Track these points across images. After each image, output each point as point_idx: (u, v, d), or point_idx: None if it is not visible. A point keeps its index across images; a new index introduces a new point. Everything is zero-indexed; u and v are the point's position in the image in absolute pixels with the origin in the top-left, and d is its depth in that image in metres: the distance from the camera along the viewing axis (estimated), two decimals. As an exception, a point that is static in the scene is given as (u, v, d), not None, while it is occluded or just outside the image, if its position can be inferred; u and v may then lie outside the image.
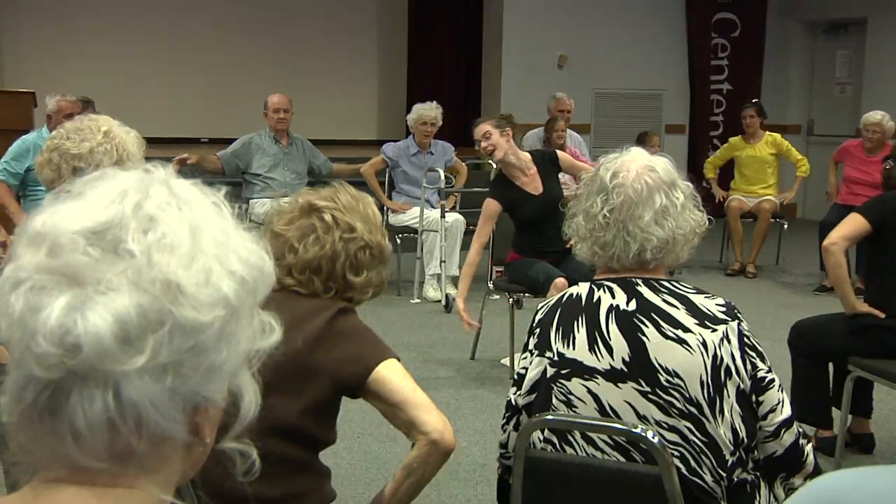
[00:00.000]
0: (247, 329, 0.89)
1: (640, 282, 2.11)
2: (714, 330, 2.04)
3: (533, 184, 5.12)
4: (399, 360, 2.11)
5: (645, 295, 2.09)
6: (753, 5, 11.34)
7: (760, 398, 2.08)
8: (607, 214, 2.10)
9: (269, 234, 2.15)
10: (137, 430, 0.82)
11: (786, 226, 8.19)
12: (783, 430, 2.09)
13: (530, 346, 2.20)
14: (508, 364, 5.36)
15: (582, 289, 2.17)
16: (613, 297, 2.11)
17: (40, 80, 8.92)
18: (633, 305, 2.08)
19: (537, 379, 2.16)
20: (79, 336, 0.79)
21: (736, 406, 2.04)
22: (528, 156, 5.20)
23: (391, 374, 2.06)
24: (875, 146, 7.27)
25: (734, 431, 2.04)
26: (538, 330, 2.19)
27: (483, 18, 11.04)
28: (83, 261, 0.81)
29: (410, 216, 7.28)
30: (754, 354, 2.08)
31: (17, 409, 0.83)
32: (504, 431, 2.29)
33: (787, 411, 2.09)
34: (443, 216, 6.99)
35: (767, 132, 8.27)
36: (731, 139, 8.50)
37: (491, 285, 5.53)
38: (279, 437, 2.02)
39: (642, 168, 2.12)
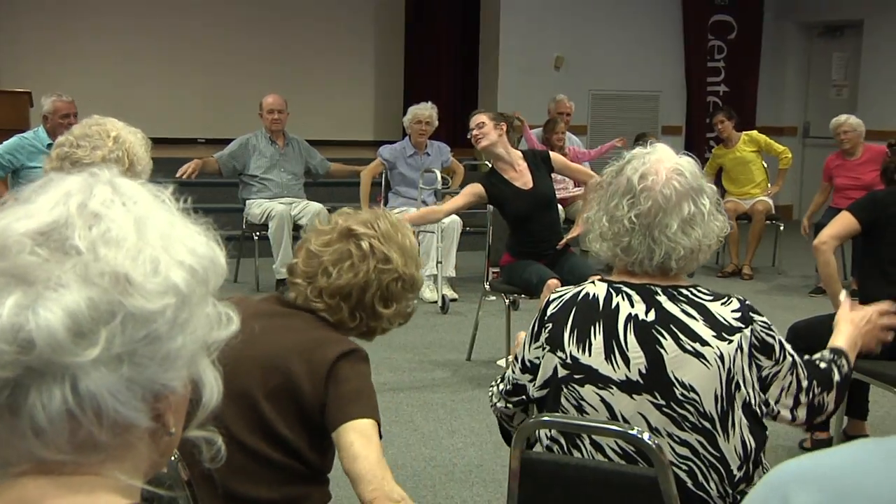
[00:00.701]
0: (201, 318, 0.91)
1: (659, 290, 2.07)
2: (730, 341, 2.01)
3: (522, 179, 5.15)
4: (378, 424, 2.00)
5: (664, 305, 2.05)
6: (750, 7, 11.35)
7: (767, 395, 2.07)
8: (633, 219, 2.04)
9: (303, 252, 2.14)
10: (98, 420, 0.84)
11: (782, 227, 8.21)
12: (801, 398, 2.11)
13: (542, 340, 2.16)
14: (505, 365, 5.36)
15: (599, 290, 2.12)
16: (632, 305, 2.07)
17: (38, 79, 8.91)
18: (651, 316, 2.04)
19: (549, 376, 2.14)
20: (31, 331, 0.80)
21: (744, 419, 2.04)
22: (518, 153, 5.25)
23: (360, 434, 1.96)
24: (853, 147, 7.33)
25: (743, 444, 2.04)
26: (550, 325, 2.15)
27: (480, 19, 11.04)
28: (31, 261, 0.83)
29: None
30: (762, 357, 2.05)
31: None
32: (505, 404, 2.29)
33: (798, 386, 2.11)
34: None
35: (743, 133, 8.35)
36: (714, 150, 8.59)
37: (487, 286, 5.53)
38: (274, 444, 2.02)
39: (671, 171, 2.05)
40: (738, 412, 2.03)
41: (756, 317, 2.07)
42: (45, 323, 0.81)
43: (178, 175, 6.43)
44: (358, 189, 7.34)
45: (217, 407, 0.95)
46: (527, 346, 2.22)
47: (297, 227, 7.00)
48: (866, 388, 4.11)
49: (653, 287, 2.08)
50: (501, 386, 2.32)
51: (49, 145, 5.82)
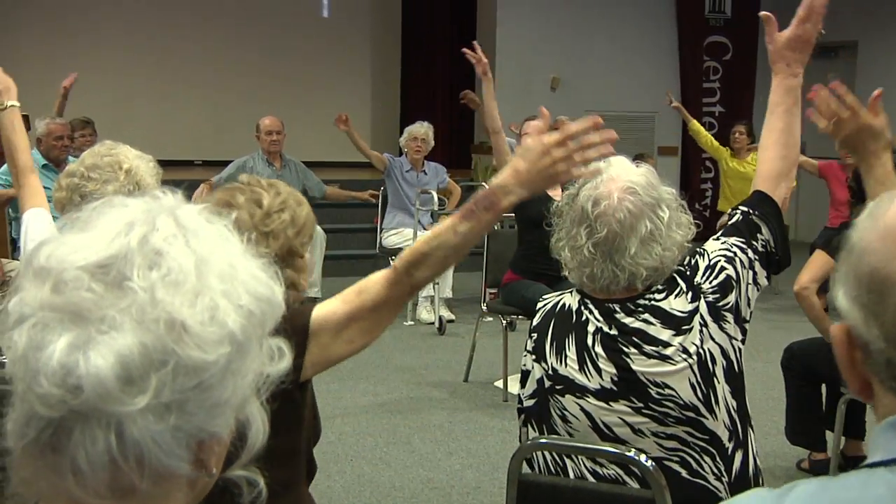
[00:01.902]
0: (254, 361, 0.88)
1: (617, 307, 2.10)
2: (690, 329, 2.05)
3: (554, 190, 5.21)
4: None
5: (623, 321, 2.08)
6: (745, 29, 11.41)
7: (726, 298, 2.08)
8: (592, 248, 2.06)
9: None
10: (140, 468, 0.82)
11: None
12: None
13: (529, 348, 2.20)
14: (502, 386, 5.35)
15: (573, 301, 2.16)
16: (598, 320, 2.11)
17: (35, 103, 8.92)
18: (614, 331, 2.08)
19: (536, 387, 2.17)
20: (80, 377, 0.78)
21: (726, 386, 2.06)
22: None
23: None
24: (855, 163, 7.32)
25: (729, 413, 2.06)
26: (535, 335, 2.19)
27: (476, 41, 11.08)
28: (87, 297, 0.80)
29: (403, 238, 7.29)
30: (729, 296, 2.07)
31: (20, 444, 0.82)
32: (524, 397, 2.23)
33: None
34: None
35: (754, 152, 8.36)
36: (728, 152, 8.50)
37: (484, 307, 5.53)
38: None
39: (623, 192, 2.05)
40: (722, 383, 2.05)
41: (701, 281, 2.08)
42: (94, 370, 0.78)
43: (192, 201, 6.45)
44: (356, 211, 7.35)
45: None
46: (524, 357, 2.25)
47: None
48: (863, 409, 4.11)
49: (610, 305, 2.10)
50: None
51: (45, 165, 5.85)
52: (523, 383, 2.22)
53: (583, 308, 2.13)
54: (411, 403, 5.17)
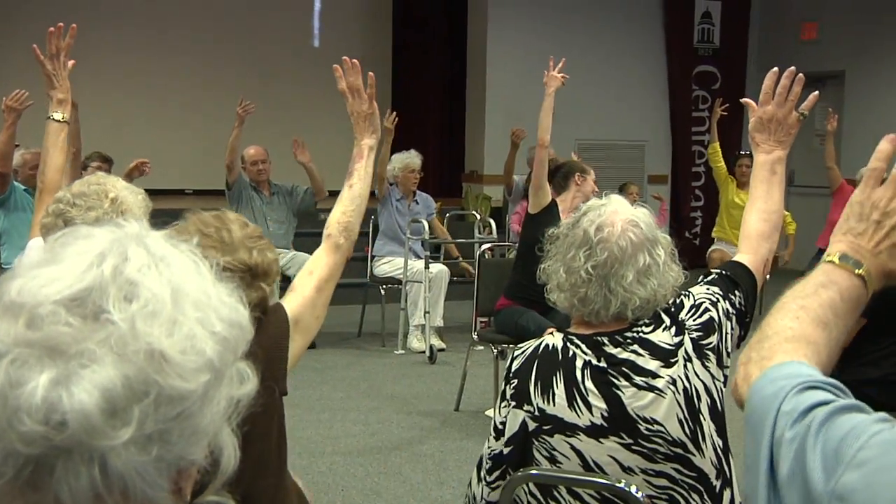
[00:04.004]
0: (227, 387, 0.87)
1: (606, 340, 2.10)
2: (675, 361, 2.07)
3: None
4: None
5: (611, 352, 2.09)
6: (733, 58, 11.51)
7: (709, 338, 2.12)
8: (590, 270, 2.08)
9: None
10: (125, 501, 0.81)
11: (768, 277, 8.21)
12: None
13: (507, 396, 2.17)
14: (493, 415, 5.32)
15: (557, 340, 2.15)
16: (585, 354, 2.10)
17: (29, 133, 8.93)
18: (604, 363, 2.08)
19: (514, 431, 2.13)
20: (65, 413, 0.77)
21: (711, 423, 2.08)
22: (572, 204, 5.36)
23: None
24: None
25: (715, 451, 2.08)
26: (515, 381, 2.15)
27: (467, 71, 11.15)
28: (64, 332, 0.79)
29: (394, 267, 7.29)
30: (710, 337, 2.12)
31: None
32: (486, 484, 2.17)
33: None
34: (427, 267, 7.00)
35: None
36: (732, 181, 8.46)
37: (475, 336, 5.52)
38: None
39: (627, 223, 2.10)
40: (707, 423, 2.07)
41: (685, 318, 2.13)
42: (79, 405, 0.77)
43: None
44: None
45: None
46: (496, 411, 2.20)
47: (285, 279, 6.99)
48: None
49: (598, 338, 2.11)
50: (482, 474, 2.20)
51: (26, 190, 5.87)
52: (497, 437, 2.16)
53: (569, 345, 2.12)
54: (402, 433, 5.14)
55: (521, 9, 10.73)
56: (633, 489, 1.97)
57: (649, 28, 11.36)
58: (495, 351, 5.35)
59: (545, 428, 2.09)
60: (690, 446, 2.04)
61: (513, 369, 2.18)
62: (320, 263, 2.18)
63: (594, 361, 2.08)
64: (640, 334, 2.10)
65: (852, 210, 1.26)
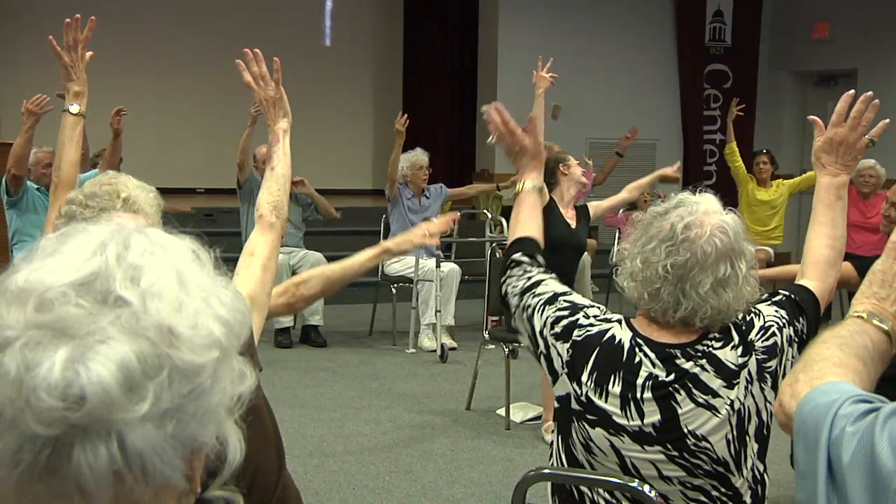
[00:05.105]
0: (229, 372, 0.88)
1: (678, 353, 2.04)
2: (737, 383, 2.02)
3: (568, 215, 5.26)
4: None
5: (682, 366, 2.03)
6: (745, 57, 11.48)
7: (771, 362, 2.07)
8: (668, 268, 1.99)
9: None
10: (144, 479, 0.81)
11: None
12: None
13: (567, 344, 2.11)
14: (504, 415, 5.33)
15: (625, 336, 2.08)
16: (653, 366, 2.04)
17: (39, 132, 8.96)
18: (671, 377, 2.03)
19: (564, 394, 2.11)
20: (83, 387, 0.77)
21: (755, 444, 2.05)
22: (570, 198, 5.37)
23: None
24: (871, 191, 7.41)
25: (754, 474, 2.05)
26: (572, 351, 2.09)
27: (478, 71, 11.15)
28: (75, 312, 0.80)
29: (406, 266, 7.30)
30: (771, 363, 2.07)
31: (15, 474, 0.79)
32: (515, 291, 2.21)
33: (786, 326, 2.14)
34: (438, 266, 7.01)
35: (777, 180, 8.42)
36: (751, 178, 8.44)
37: (486, 335, 5.52)
38: None
39: (716, 228, 2.01)
40: (751, 443, 2.04)
41: (755, 338, 2.07)
42: (97, 378, 0.77)
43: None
44: (359, 238, 7.32)
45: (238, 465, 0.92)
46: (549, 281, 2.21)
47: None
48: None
49: (671, 350, 2.05)
50: (521, 283, 2.23)
51: (38, 189, 5.88)
52: (552, 302, 2.17)
53: (637, 350, 2.06)
54: (413, 432, 5.15)
55: (533, 8, 10.73)
56: (645, 488, 1.96)
57: (661, 26, 11.35)
58: (506, 350, 5.34)
59: (589, 417, 2.06)
60: (732, 466, 2.01)
61: (574, 335, 2.11)
62: (259, 243, 2.30)
63: (661, 376, 2.02)
64: (710, 349, 2.04)
65: (875, 277, 1.46)
